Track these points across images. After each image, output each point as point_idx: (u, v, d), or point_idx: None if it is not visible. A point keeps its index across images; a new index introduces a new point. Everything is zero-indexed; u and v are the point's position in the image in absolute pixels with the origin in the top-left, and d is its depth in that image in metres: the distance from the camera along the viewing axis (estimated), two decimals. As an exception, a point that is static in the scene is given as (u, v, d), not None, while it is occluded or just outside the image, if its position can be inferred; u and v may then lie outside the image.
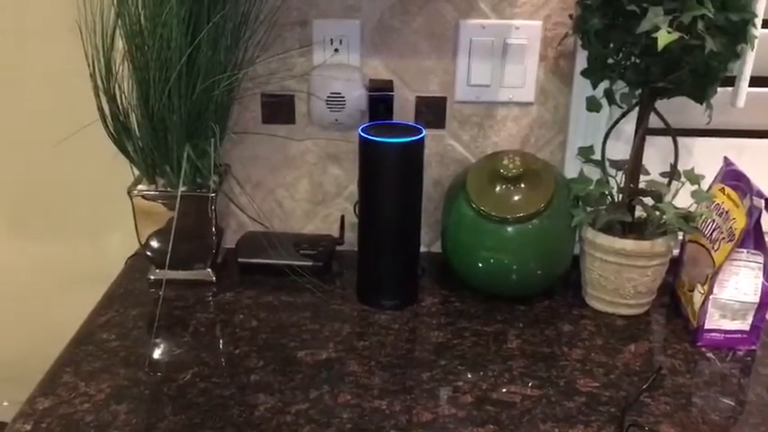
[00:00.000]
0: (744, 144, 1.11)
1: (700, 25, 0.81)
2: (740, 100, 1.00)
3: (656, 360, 0.92)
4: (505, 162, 0.96)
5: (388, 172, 0.95)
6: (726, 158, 1.01)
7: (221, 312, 1.00)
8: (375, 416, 0.80)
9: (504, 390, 0.85)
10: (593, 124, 1.06)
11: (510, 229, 0.96)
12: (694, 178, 0.98)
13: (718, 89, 0.92)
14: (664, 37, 0.79)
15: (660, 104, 0.95)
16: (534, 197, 0.97)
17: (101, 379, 0.85)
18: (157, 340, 0.93)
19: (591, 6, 0.88)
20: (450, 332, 0.96)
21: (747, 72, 0.97)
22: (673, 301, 1.05)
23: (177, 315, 0.99)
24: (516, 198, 0.97)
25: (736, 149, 1.07)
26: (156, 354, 0.90)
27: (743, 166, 0.97)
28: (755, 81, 1.00)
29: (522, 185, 0.97)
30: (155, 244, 1.05)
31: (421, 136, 0.95)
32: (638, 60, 0.88)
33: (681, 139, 1.03)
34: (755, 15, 0.85)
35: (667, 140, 0.99)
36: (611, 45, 0.89)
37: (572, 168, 1.09)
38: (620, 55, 0.89)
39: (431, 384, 0.86)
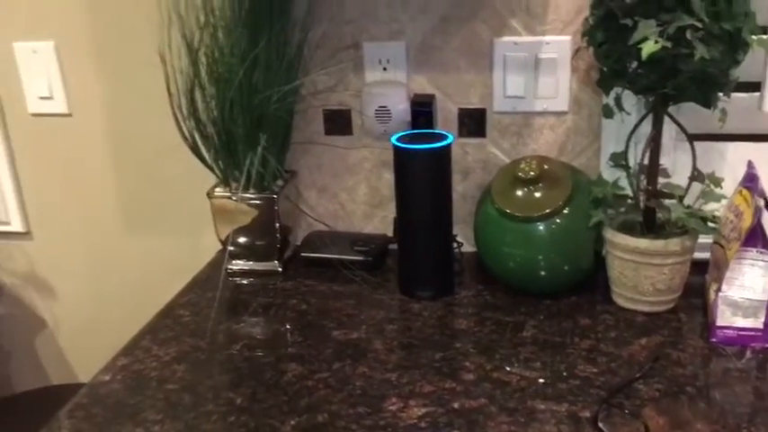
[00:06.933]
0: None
1: (688, 34, 0.86)
2: (766, 104, 1.02)
3: (663, 352, 0.96)
4: (522, 165, 1.05)
5: (418, 175, 1.07)
6: (749, 162, 1.03)
7: (279, 297, 1.16)
8: (383, 385, 0.92)
9: (506, 370, 0.94)
10: (624, 131, 1.12)
11: (529, 226, 1.05)
12: (716, 181, 1.02)
13: (747, 95, 0.95)
14: (648, 46, 0.86)
15: (694, 110, 0.99)
16: (552, 197, 1.04)
17: (170, 345, 1.03)
18: (222, 317, 1.10)
19: (595, 21, 0.96)
20: (473, 321, 1.06)
21: (772, 77, 0.99)
22: (704, 301, 1.08)
23: (242, 298, 1.16)
24: (535, 198, 1.05)
25: (769, 153, 1.08)
26: (218, 328, 1.08)
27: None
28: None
29: (541, 186, 1.05)
30: (231, 239, 1.23)
31: (447, 142, 1.06)
32: (639, 70, 0.94)
33: (714, 144, 1.07)
34: (751, 24, 0.88)
35: (706, 145, 1.03)
36: (615, 56, 0.95)
37: (608, 174, 1.14)
38: (625, 65, 0.96)
39: (440, 363, 0.96)
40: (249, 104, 1.11)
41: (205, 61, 1.11)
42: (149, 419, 0.87)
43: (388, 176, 1.26)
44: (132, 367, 0.98)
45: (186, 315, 1.12)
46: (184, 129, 1.15)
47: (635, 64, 0.94)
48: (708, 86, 0.93)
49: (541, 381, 0.91)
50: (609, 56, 0.96)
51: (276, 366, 0.97)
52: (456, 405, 0.87)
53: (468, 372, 0.94)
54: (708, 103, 0.95)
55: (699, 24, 0.86)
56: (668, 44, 0.86)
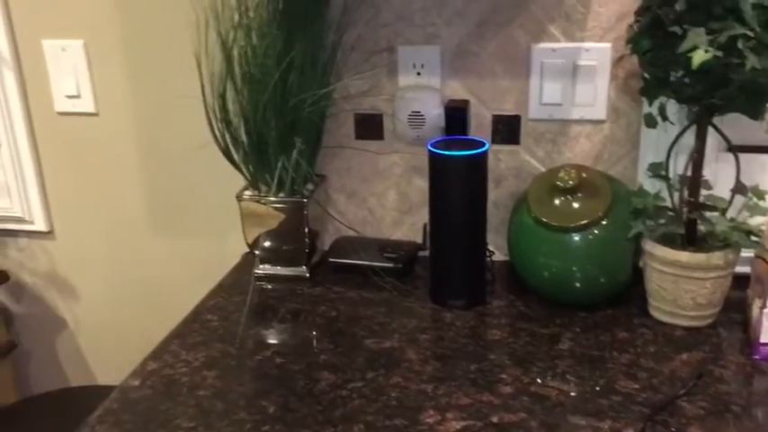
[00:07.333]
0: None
1: (739, 44, 0.84)
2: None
3: (705, 369, 0.94)
4: (562, 174, 1.03)
5: (454, 182, 1.05)
6: (794, 174, 1.01)
7: (307, 303, 1.14)
8: (419, 397, 0.90)
9: (543, 384, 0.91)
10: (664, 141, 1.10)
11: (566, 237, 1.03)
12: (759, 194, 0.99)
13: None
14: (699, 55, 0.84)
15: (737, 121, 0.97)
16: (591, 207, 1.02)
17: (199, 350, 1.01)
18: (250, 323, 1.09)
19: (641, 28, 0.94)
20: (507, 332, 1.04)
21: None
22: (744, 316, 1.05)
23: (270, 303, 1.14)
24: (573, 208, 1.03)
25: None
26: (247, 333, 1.06)
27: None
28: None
29: (579, 195, 1.03)
30: (259, 243, 1.21)
31: (483, 149, 1.04)
32: (685, 79, 0.92)
33: (757, 156, 1.05)
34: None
35: (749, 157, 1.01)
36: (661, 65, 0.93)
37: (646, 184, 1.12)
38: (670, 74, 0.93)
39: (476, 375, 0.94)
40: (283, 107, 1.09)
41: (238, 61, 1.10)
42: (182, 427, 0.85)
43: (419, 182, 1.25)
44: (162, 372, 0.97)
45: (214, 320, 1.10)
46: (216, 130, 1.14)
47: (681, 73, 0.92)
48: (756, 97, 0.91)
49: (580, 395, 0.89)
50: (654, 64, 0.94)
51: (308, 374, 0.95)
52: (495, 419, 0.85)
53: (506, 384, 0.92)
54: (756, 114, 0.93)
55: (750, 34, 0.84)
56: (719, 53, 0.84)
